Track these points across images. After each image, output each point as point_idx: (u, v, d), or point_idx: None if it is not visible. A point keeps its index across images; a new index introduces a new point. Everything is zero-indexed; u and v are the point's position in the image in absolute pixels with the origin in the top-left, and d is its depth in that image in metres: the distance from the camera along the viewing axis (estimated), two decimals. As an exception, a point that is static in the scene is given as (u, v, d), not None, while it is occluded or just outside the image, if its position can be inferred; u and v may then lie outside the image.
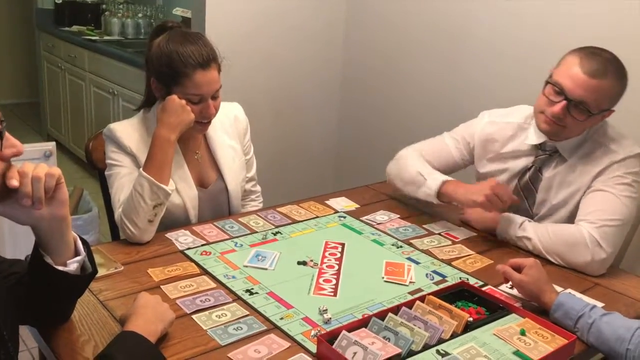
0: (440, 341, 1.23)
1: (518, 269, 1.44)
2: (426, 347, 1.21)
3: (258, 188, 2.05)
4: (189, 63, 1.60)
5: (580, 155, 1.72)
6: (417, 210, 1.95)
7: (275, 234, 1.72)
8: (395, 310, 1.30)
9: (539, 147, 1.78)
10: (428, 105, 2.78)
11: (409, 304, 1.33)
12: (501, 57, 2.44)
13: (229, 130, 1.87)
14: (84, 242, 1.13)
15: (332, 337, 1.21)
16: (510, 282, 1.46)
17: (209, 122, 1.71)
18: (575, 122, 1.63)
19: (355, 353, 1.16)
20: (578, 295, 1.46)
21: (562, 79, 1.61)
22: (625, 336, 1.23)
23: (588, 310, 1.30)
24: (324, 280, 1.49)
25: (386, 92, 2.97)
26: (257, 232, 1.73)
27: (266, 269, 1.53)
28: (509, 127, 1.84)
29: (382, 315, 1.28)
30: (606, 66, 1.58)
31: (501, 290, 1.49)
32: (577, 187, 1.71)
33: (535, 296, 1.39)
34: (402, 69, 2.87)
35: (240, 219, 1.81)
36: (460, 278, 1.54)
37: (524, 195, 1.80)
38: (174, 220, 1.74)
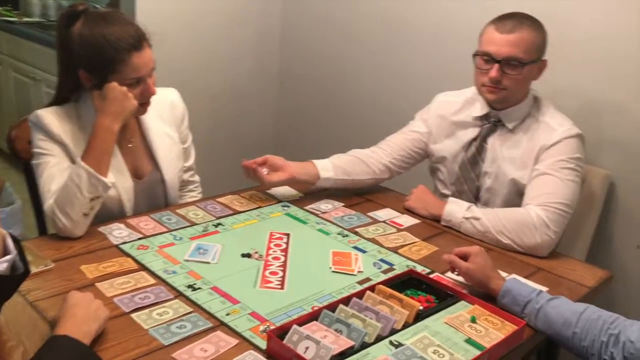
0: (393, 332, 1.21)
1: (464, 257, 1.43)
2: (379, 338, 1.18)
3: (197, 178, 1.97)
4: (121, 47, 1.50)
5: (524, 131, 1.78)
6: (361, 198, 1.93)
7: (216, 226, 1.65)
8: (346, 301, 1.27)
9: (484, 117, 1.84)
10: (368, 92, 2.75)
11: (359, 295, 1.30)
12: (440, 43, 2.44)
13: (165, 117, 1.78)
14: (15, 239, 1.03)
15: (282, 332, 1.16)
16: (456, 270, 1.46)
17: (148, 103, 1.63)
18: (513, 80, 1.71)
19: (307, 348, 1.11)
20: (523, 280, 1.47)
21: (486, 47, 1.72)
22: (572, 320, 1.24)
23: (535, 295, 1.31)
24: (270, 273, 1.43)
25: (325, 78, 2.93)
26: (197, 224, 1.66)
27: (209, 262, 1.46)
28: (459, 104, 1.90)
29: (332, 307, 1.24)
30: (520, 21, 1.69)
31: (448, 277, 1.49)
32: (520, 165, 1.77)
33: (482, 283, 1.39)
34: (341, 55, 2.83)
35: (178, 211, 1.72)
36: (407, 266, 1.52)
37: (470, 166, 1.85)
38: (108, 213, 1.64)
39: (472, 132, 1.86)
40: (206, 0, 2.74)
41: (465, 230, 1.72)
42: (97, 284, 1.32)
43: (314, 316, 1.21)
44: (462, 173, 1.87)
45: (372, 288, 1.32)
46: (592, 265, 1.65)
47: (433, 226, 1.78)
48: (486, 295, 1.38)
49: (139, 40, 1.52)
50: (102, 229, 1.57)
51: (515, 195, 1.78)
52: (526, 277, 1.52)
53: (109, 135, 1.53)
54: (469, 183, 1.86)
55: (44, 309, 1.22)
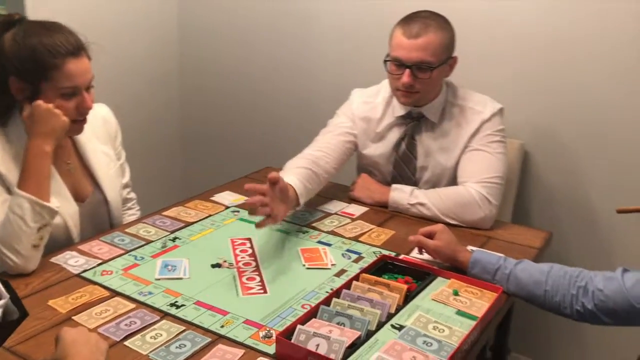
0: (390, 316, 1.25)
1: (429, 236, 1.51)
2: (380, 324, 1.22)
3: (133, 195, 1.88)
4: (57, 53, 1.41)
5: (448, 119, 1.85)
6: (306, 194, 1.95)
7: (173, 240, 1.60)
8: (336, 294, 1.29)
9: (406, 116, 1.87)
10: (273, 89, 2.75)
11: (347, 286, 1.32)
12: (348, 38, 2.49)
13: (99, 134, 1.69)
14: (5, 283, 0.95)
15: (287, 334, 1.16)
16: (422, 249, 1.53)
17: (84, 120, 1.53)
18: (425, 83, 1.74)
19: (317, 345, 1.12)
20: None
21: (396, 52, 1.74)
22: (541, 280, 1.35)
23: (503, 262, 1.41)
24: (247, 279, 1.42)
25: (229, 77, 2.88)
26: (152, 241, 1.60)
27: (181, 278, 1.42)
28: (380, 106, 1.91)
29: (326, 302, 1.26)
30: (425, 23, 1.71)
31: (414, 257, 1.55)
32: (455, 151, 1.83)
33: (450, 258, 1.47)
34: (245, 53, 2.81)
35: (127, 230, 1.65)
36: (373, 252, 1.57)
37: (404, 164, 1.90)
38: (53, 242, 1.52)
39: (398, 131, 1.89)
40: (97, 11, 2.60)
41: (412, 214, 1.80)
42: (75, 317, 1.24)
43: (312, 314, 1.23)
44: (398, 172, 1.91)
45: (356, 278, 1.36)
46: (532, 228, 1.79)
47: (382, 212, 1.84)
48: (455, 269, 1.47)
49: (78, 48, 1.44)
50: (54, 259, 1.47)
51: (455, 183, 1.85)
52: (480, 246, 1.63)
53: (43, 158, 1.43)
54: (406, 180, 1.90)
55: (26, 353, 1.13)
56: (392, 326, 1.22)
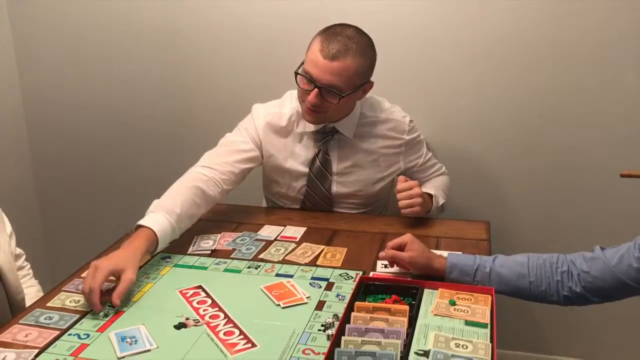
0: (406, 343, 1.16)
1: (399, 248, 1.44)
2: (403, 355, 1.12)
3: (20, 250, 1.58)
4: None
5: (362, 135, 1.80)
6: (231, 223, 1.79)
7: (113, 306, 1.36)
8: (339, 331, 1.17)
9: (320, 131, 1.78)
10: (142, 117, 2.51)
11: (345, 319, 1.21)
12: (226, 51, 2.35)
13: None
14: None
15: (317, 390, 1.02)
16: (384, 262, 1.47)
17: None
18: (332, 106, 1.64)
19: (357, 395, 1.01)
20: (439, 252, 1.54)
21: (309, 67, 1.61)
22: (524, 272, 1.35)
23: (479, 261, 1.39)
24: (225, 334, 1.24)
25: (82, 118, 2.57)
26: (88, 312, 1.34)
27: (149, 349, 1.19)
28: (287, 118, 1.80)
29: (335, 343, 1.14)
30: (346, 45, 1.58)
31: (382, 272, 1.48)
32: (382, 162, 1.82)
33: (426, 267, 1.41)
34: (98, 80, 2.52)
35: (50, 305, 1.36)
36: (340, 275, 1.47)
37: (319, 181, 1.82)
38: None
39: (311, 147, 1.80)
40: None
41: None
42: None
43: (328, 360, 1.10)
44: (312, 189, 1.83)
45: (350, 308, 1.25)
46: (470, 220, 1.82)
47: (322, 229, 1.74)
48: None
49: None
50: (-28, 364, 1.16)
51: (376, 195, 1.87)
52: (434, 248, 1.59)
53: None
54: (321, 197, 1.84)
55: None
56: (417, 353, 1.13)
